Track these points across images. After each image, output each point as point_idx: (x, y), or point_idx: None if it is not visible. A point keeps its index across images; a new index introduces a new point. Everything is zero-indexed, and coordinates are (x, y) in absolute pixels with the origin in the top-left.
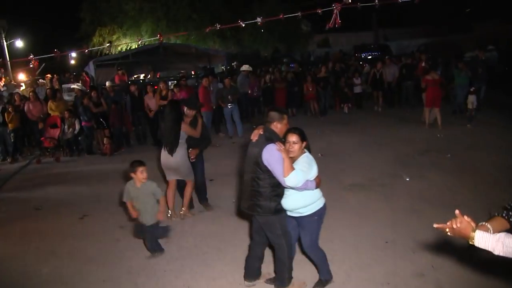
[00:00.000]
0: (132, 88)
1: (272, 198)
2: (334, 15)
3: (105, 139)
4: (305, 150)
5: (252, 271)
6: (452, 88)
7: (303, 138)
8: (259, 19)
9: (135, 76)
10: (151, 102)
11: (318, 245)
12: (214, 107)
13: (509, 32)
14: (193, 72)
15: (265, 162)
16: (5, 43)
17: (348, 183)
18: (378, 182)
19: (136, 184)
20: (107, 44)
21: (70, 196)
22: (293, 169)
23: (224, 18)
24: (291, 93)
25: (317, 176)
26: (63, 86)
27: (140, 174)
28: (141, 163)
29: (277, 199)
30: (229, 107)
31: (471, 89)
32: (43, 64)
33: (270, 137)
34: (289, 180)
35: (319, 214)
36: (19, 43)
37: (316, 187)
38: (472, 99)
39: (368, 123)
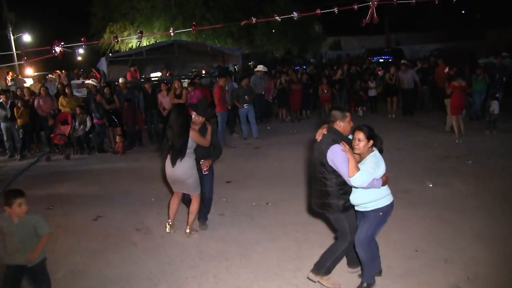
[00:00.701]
0: (146, 85)
1: (340, 196)
2: (371, 10)
3: (117, 137)
4: (374, 148)
5: (352, 258)
6: (468, 94)
7: (370, 136)
8: (277, 18)
9: (150, 74)
10: (165, 100)
11: (371, 243)
12: (229, 108)
13: None
14: (204, 71)
15: (330, 163)
16: (12, 37)
17: None
18: (401, 188)
19: (12, 219)
20: (113, 37)
21: (82, 196)
22: (358, 169)
23: (237, 18)
24: (305, 95)
25: (384, 174)
26: (72, 82)
27: (18, 208)
28: (18, 194)
29: (345, 197)
30: (245, 107)
31: (495, 95)
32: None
33: (335, 138)
34: (354, 180)
35: (385, 211)
36: (26, 37)
37: (383, 185)
38: (494, 106)
39: (384, 127)
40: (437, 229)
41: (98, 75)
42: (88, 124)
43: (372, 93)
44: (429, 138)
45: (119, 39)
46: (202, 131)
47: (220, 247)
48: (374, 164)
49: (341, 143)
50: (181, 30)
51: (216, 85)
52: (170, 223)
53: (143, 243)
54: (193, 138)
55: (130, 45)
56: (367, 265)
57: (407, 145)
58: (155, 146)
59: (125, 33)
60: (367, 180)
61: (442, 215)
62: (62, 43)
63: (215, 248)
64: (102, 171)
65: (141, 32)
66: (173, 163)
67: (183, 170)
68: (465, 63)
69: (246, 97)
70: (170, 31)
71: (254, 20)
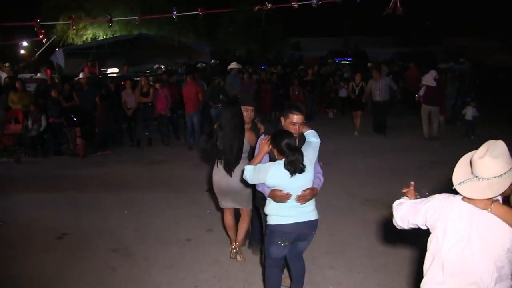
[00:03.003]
0: (109, 82)
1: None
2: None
3: (77, 138)
4: (278, 151)
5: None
6: None
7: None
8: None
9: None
10: (130, 98)
11: (270, 268)
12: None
13: (475, 46)
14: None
15: None
16: None
17: (363, 197)
18: (396, 196)
19: None
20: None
21: (40, 208)
22: (256, 163)
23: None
24: (276, 96)
25: (279, 190)
26: (19, 76)
27: None
28: None
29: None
30: (220, 107)
31: (469, 101)
32: None
33: (268, 129)
34: (244, 170)
35: (272, 231)
36: None
37: (274, 200)
38: (469, 112)
39: (359, 130)
40: None
41: (48, 70)
42: (43, 123)
43: (343, 94)
44: (408, 142)
45: (83, 22)
46: (254, 128)
47: (217, 271)
48: (264, 166)
49: (266, 136)
50: (124, 18)
51: (186, 82)
52: (236, 248)
53: (124, 268)
54: (249, 139)
55: (85, 37)
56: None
57: (388, 149)
58: (118, 149)
59: (81, 25)
60: (248, 176)
61: None
62: None
63: (211, 272)
64: (61, 178)
65: (110, 16)
66: (230, 171)
67: (239, 179)
68: (428, 67)
69: (220, 96)
70: (137, 16)
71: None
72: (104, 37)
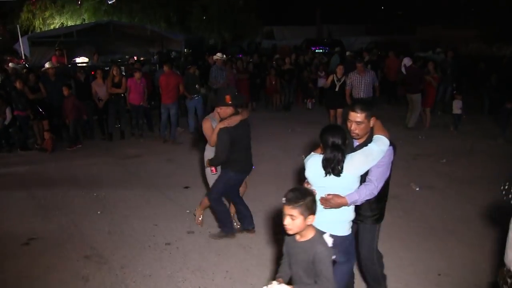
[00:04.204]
0: (78, 73)
1: None
2: None
3: (45, 132)
4: (321, 144)
5: None
6: None
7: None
8: None
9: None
10: (101, 89)
11: None
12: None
13: (449, 36)
14: (135, 57)
15: None
16: None
17: None
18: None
19: None
20: None
21: (3, 209)
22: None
23: (172, 1)
24: (252, 85)
25: (307, 182)
26: None
27: None
28: None
29: None
30: (195, 98)
31: (457, 94)
32: None
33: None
34: None
35: None
36: None
37: None
38: (459, 104)
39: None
40: (450, 244)
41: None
42: (8, 116)
43: (321, 83)
44: (391, 134)
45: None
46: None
47: (201, 281)
48: (310, 155)
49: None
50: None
51: (162, 72)
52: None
53: (98, 277)
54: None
55: (52, 26)
56: None
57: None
58: (89, 142)
59: (47, 13)
60: None
61: (447, 226)
62: None
63: (195, 283)
64: (28, 174)
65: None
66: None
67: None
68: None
69: (196, 86)
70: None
71: None
72: (74, 23)
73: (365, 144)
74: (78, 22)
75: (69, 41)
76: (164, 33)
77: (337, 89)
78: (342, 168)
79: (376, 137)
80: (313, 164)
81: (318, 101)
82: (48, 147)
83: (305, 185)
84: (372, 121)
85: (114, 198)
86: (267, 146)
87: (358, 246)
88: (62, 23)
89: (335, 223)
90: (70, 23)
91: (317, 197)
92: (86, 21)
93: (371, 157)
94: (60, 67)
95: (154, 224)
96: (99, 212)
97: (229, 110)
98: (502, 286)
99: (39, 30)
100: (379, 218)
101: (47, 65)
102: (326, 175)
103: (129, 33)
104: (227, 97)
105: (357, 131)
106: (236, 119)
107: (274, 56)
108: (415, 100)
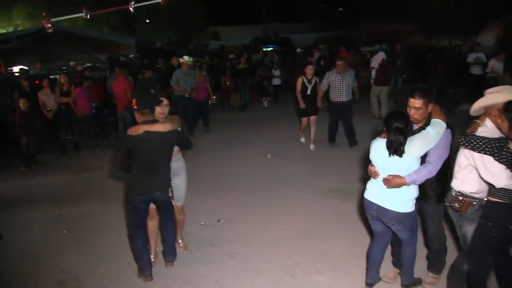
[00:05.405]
0: (23, 82)
1: None
2: None
3: None
4: (386, 128)
5: None
6: None
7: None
8: None
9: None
10: (49, 99)
11: None
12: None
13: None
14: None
15: None
16: None
17: (324, 189)
18: (358, 186)
19: None
20: None
21: None
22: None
23: (111, 3)
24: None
25: (371, 164)
26: None
27: None
28: None
29: None
30: None
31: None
32: None
33: None
34: None
35: None
36: None
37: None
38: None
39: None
40: None
41: None
42: None
43: (276, 82)
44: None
45: None
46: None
47: None
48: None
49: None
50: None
51: (114, 78)
52: None
53: None
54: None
55: None
56: None
57: (337, 139)
58: (44, 156)
59: None
60: None
61: None
62: None
63: None
64: None
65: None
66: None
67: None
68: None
69: (152, 91)
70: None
71: None
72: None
73: (423, 128)
74: (11, 29)
75: (7, 48)
76: (112, 37)
77: (308, 93)
78: (404, 149)
79: (434, 121)
80: (377, 147)
81: (274, 99)
82: None
83: (370, 167)
84: (430, 107)
85: (79, 214)
86: (234, 149)
87: (424, 224)
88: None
89: (399, 201)
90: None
91: (380, 178)
92: (21, 27)
93: (429, 139)
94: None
95: (127, 238)
96: (65, 232)
97: (137, 116)
98: (453, 206)
99: None
100: (440, 197)
101: None
102: (389, 156)
103: (74, 38)
104: (133, 101)
105: (415, 116)
106: (141, 128)
107: (227, 56)
108: (385, 92)
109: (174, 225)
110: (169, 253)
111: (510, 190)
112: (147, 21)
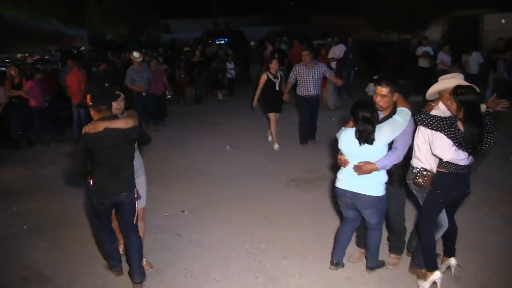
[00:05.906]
0: None
1: None
2: None
3: None
4: (353, 118)
5: None
6: None
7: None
8: None
9: None
10: None
11: None
12: None
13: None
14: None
15: None
16: None
17: (285, 178)
18: (320, 174)
19: None
20: None
21: None
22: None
23: None
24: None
25: (341, 153)
26: None
27: None
28: None
29: None
30: None
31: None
32: None
33: None
34: None
35: None
36: None
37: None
38: (371, 87)
39: (254, 110)
40: None
41: None
42: None
43: (230, 74)
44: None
45: None
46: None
47: (161, 284)
48: (342, 129)
49: None
50: None
51: (67, 71)
52: None
53: None
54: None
55: None
56: None
57: (290, 127)
58: None
59: None
60: None
61: None
62: None
63: (156, 286)
64: None
65: None
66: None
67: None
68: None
69: (106, 84)
70: None
71: None
72: None
73: (390, 116)
74: None
75: None
76: (65, 29)
77: (277, 88)
78: (374, 137)
79: (400, 109)
80: (346, 136)
81: (228, 91)
82: None
83: (339, 156)
84: (395, 96)
85: (38, 210)
86: (193, 142)
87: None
88: None
89: (372, 185)
90: None
91: (350, 166)
92: None
93: (396, 127)
94: None
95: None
96: (24, 227)
97: (93, 113)
98: (417, 182)
99: None
100: (402, 181)
101: None
102: (360, 145)
103: (23, 30)
104: (88, 97)
105: (381, 103)
106: (100, 125)
107: (181, 49)
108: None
109: (140, 241)
110: (136, 273)
111: (454, 163)
112: (96, 13)
